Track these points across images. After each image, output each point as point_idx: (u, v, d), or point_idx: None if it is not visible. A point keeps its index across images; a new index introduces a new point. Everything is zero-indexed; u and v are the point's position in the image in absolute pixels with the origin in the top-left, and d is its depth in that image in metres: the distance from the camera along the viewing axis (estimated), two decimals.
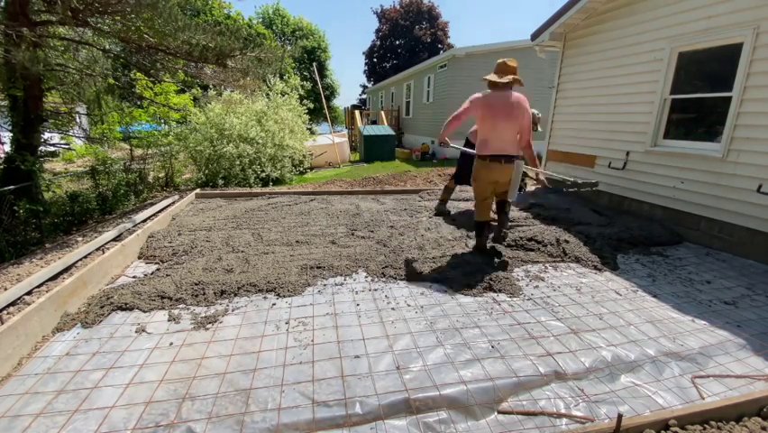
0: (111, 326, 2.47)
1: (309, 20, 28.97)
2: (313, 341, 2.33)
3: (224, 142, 8.10)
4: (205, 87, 9.35)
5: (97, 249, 3.88)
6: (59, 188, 6.38)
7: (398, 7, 32.43)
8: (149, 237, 4.06)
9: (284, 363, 2.12)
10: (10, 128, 5.39)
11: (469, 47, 12.54)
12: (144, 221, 4.91)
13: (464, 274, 3.19)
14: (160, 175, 8.32)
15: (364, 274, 3.30)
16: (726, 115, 3.97)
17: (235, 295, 2.88)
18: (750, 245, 3.81)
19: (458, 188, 5.66)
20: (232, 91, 8.39)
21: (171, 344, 2.29)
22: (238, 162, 8.11)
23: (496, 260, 3.56)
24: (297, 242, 3.97)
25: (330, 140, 12.75)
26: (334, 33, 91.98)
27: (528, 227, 4.38)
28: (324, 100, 14.69)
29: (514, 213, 5.08)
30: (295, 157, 9.54)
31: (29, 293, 2.88)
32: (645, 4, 4.81)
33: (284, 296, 2.89)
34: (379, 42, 33.88)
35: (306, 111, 10.48)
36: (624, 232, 4.28)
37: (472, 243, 3.94)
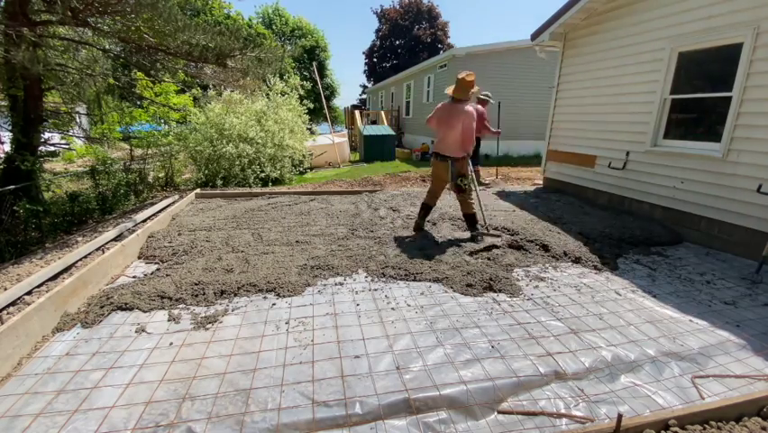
0: (111, 326, 2.47)
1: (309, 20, 28.99)
2: (313, 341, 2.33)
3: (224, 143, 8.10)
4: (205, 87, 9.33)
5: (97, 249, 3.88)
6: (59, 188, 6.36)
7: (398, 7, 32.42)
8: (149, 237, 4.06)
9: (284, 363, 2.12)
10: (10, 128, 5.38)
11: (469, 47, 12.52)
12: (144, 221, 4.91)
13: (464, 274, 3.19)
14: (159, 175, 8.30)
15: (364, 274, 3.30)
16: (726, 114, 3.97)
17: (235, 295, 2.88)
18: (750, 245, 3.81)
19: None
20: (232, 91, 8.37)
21: (171, 344, 2.29)
22: (238, 162, 8.11)
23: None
24: (296, 242, 3.97)
25: (330, 140, 12.73)
26: (334, 33, 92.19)
27: (528, 228, 4.38)
28: (324, 100, 14.67)
29: (516, 213, 5.08)
30: (295, 157, 9.53)
31: (29, 293, 2.88)
32: (646, 5, 4.81)
33: (284, 296, 2.89)
34: (378, 42, 33.88)
35: (306, 111, 10.46)
36: (624, 232, 4.28)
37: (476, 245, 3.94)
